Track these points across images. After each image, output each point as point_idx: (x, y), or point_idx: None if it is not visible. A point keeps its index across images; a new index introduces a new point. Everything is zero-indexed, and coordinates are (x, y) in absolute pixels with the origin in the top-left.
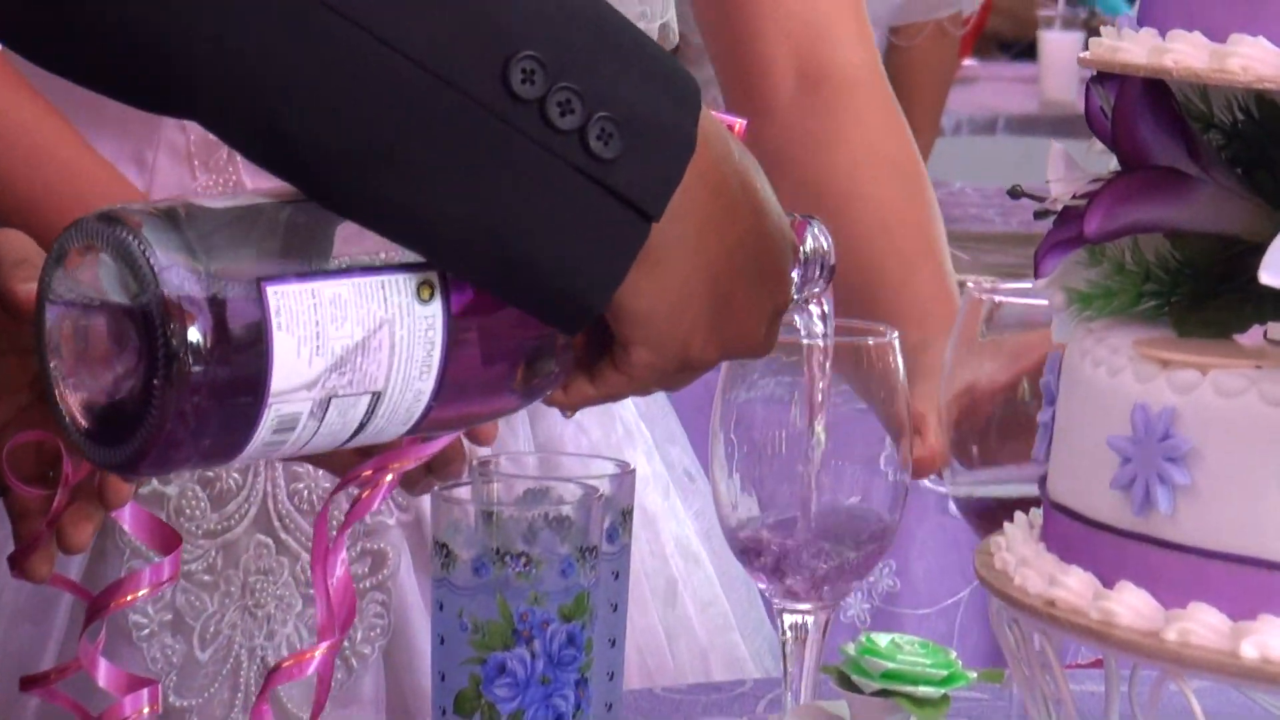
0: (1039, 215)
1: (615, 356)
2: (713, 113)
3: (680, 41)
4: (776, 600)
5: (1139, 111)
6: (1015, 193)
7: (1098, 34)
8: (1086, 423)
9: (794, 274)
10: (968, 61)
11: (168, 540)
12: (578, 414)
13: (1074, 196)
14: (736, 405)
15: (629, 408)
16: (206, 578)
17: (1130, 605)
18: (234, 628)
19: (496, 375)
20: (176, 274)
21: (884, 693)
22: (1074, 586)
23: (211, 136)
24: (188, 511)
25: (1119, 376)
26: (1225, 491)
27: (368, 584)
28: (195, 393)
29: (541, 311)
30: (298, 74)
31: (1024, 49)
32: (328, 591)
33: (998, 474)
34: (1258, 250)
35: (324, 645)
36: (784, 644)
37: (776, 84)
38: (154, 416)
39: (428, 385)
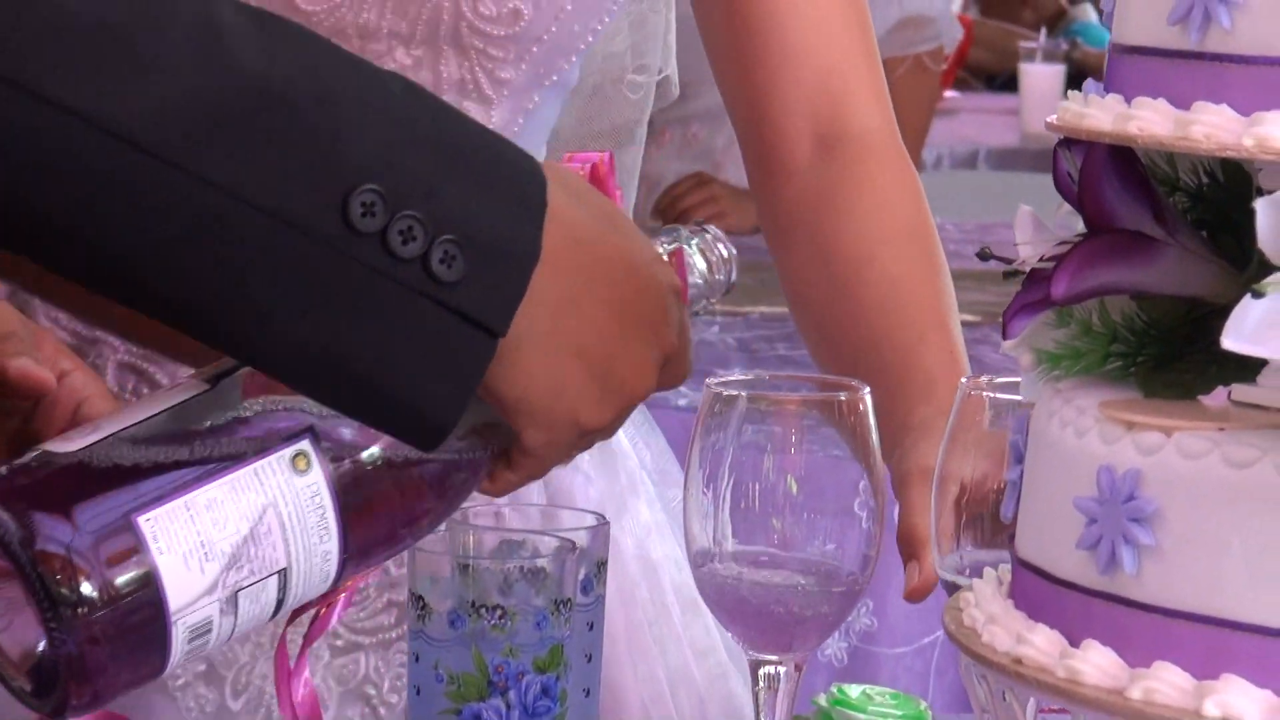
0: (1008, 276)
1: (517, 441)
2: (571, 163)
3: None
4: (749, 651)
5: (1105, 176)
6: (984, 255)
7: (1079, 67)
8: (1053, 482)
9: (690, 294)
10: (949, 93)
11: None
12: (584, 464)
13: (1041, 259)
14: (711, 452)
15: (632, 458)
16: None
17: (1096, 664)
18: (264, 678)
19: (403, 504)
20: (51, 528)
21: None
22: (1040, 645)
23: None
24: None
25: (1085, 437)
26: (1189, 552)
27: (393, 634)
28: (95, 637)
29: (398, 432)
30: (131, 228)
31: (1005, 81)
32: (294, 712)
33: (987, 559)
34: (1223, 312)
35: None
36: (756, 694)
37: (794, 147)
38: (63, 664)
39: (333, 545)
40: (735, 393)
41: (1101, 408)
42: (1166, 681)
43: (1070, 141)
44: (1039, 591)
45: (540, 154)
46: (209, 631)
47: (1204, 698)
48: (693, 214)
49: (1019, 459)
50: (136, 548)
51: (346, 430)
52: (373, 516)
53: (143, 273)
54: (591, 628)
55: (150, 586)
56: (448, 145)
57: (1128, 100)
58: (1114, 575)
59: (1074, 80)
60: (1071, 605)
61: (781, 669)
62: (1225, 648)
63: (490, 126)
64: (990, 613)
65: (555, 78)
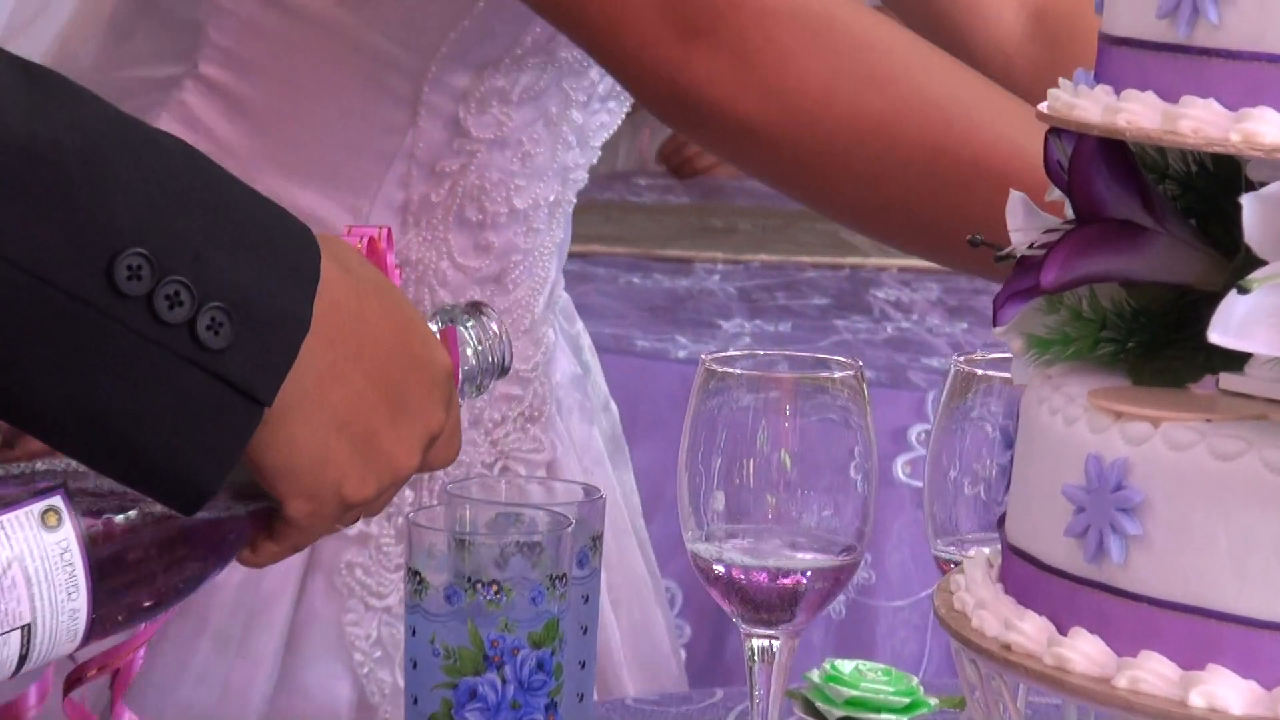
0: (999, 260)
1: (280, 511)
2: (349, 236)
3: None
4: (743, 625)
5: (1095, 165)
6: (974, 242)
7: None
8: (1042, 469)
9: (462, 374)
10: None
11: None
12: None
13: (1031, 246)
14: (705, 426)
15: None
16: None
17: (1083, 652)
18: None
19: (160, 565)
20: None
21: (847, 719)
22: (1029, 631)
23: (434, 199)
24: None
25: (1074, 426)
26: (1176, 542)
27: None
28: None
29: (158, 495)
30: None
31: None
32: None
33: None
34: (1212, 299)
35: None
36: (750, 667)
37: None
38: None
39: (81, 603)
40: (730, 370)
41: (1090, 397)
42: (1153, 671)
43: (1061, 129)
44: (1028, 577)
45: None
46: None
47: (1190, 688)
48: (696, 161)
49: (1009, 444)
50: None
51: (103, 486)
52: (126, 576)
53: None
54: (587, 600)
55: None
56: (220, 209)
57: (1116, 92)
58: (1101, 564)
59: None
60: (1060, 592)
61: (775, 643)
62: (1211, 638)
63: (620, 120)
64: (980, 597)
65: None
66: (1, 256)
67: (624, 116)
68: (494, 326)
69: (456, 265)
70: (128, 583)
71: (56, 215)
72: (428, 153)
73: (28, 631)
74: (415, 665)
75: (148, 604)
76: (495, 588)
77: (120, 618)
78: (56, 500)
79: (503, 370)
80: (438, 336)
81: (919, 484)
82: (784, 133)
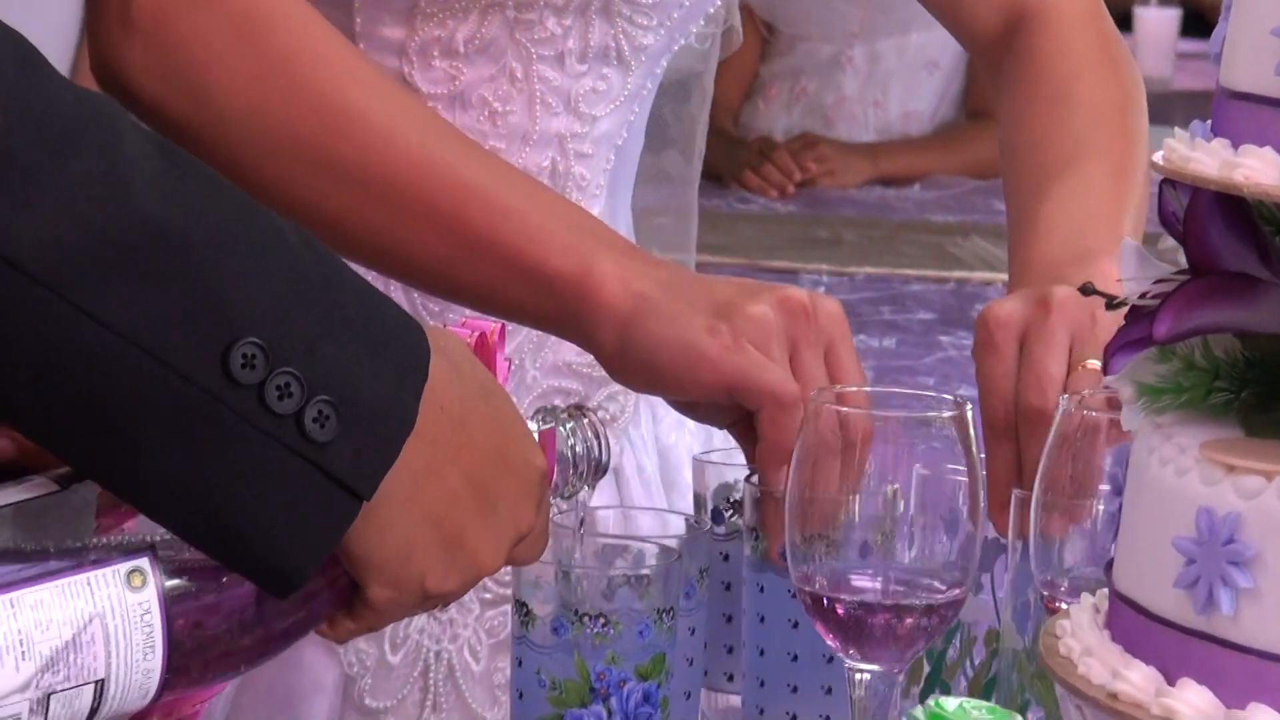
0: (1110, 308)
1: (361, 594)
2: (462, 329)
3: (767, 32)
4: (848, 660)
5: (1210, 218)
6: (1087, 290)
7: (1195, 8)
8: (1152, 519)
9: (557, 475)
10: None
11: None
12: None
13: (1144, 296)
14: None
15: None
16: None
17: (1191, 703)
18: (421, 631)
19: (237, 635)
20: None
21: None
22: (1137, 681)
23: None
24: None
25: (1185, 477)
26: None
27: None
28: None
29: (251, 576)
30: (12, 350)
31: (1118, 22)
32: None
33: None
34: None
35: None
36: (853, 700)
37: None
38: None
39: (156, 663)
40: (839, 408)
41: (1202, 449)
42: None
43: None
44: (1136, 626)
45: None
46: None
47: None
48: (804, 172)
49: (1118, 491)
50: None
51: (192, 555)
52: (203, 641)
53: (11, 392)
54: (693, 633)
55: None
56: (335, 303)
57: (1234, 146)
58: (1211, 615)
59: (1190, 23)
60: (1168, 642)
61: (878, 676)
62: None
63: (626, 91)
64: (1087, 644)
65: (683, 40)
66: (123, 336)
67: (647, 87)
68: (592, 427)
69: None
70: (204, 647)
71: (179, 300)
72: None
73: (101, 687)
74: (521, 696)
75: (221, 668)
76: (602, 620)
77: (193, 678)
78: (143, 562)
79: (600, 472)
80: (536, 438)
81: None
82: (213, 135)
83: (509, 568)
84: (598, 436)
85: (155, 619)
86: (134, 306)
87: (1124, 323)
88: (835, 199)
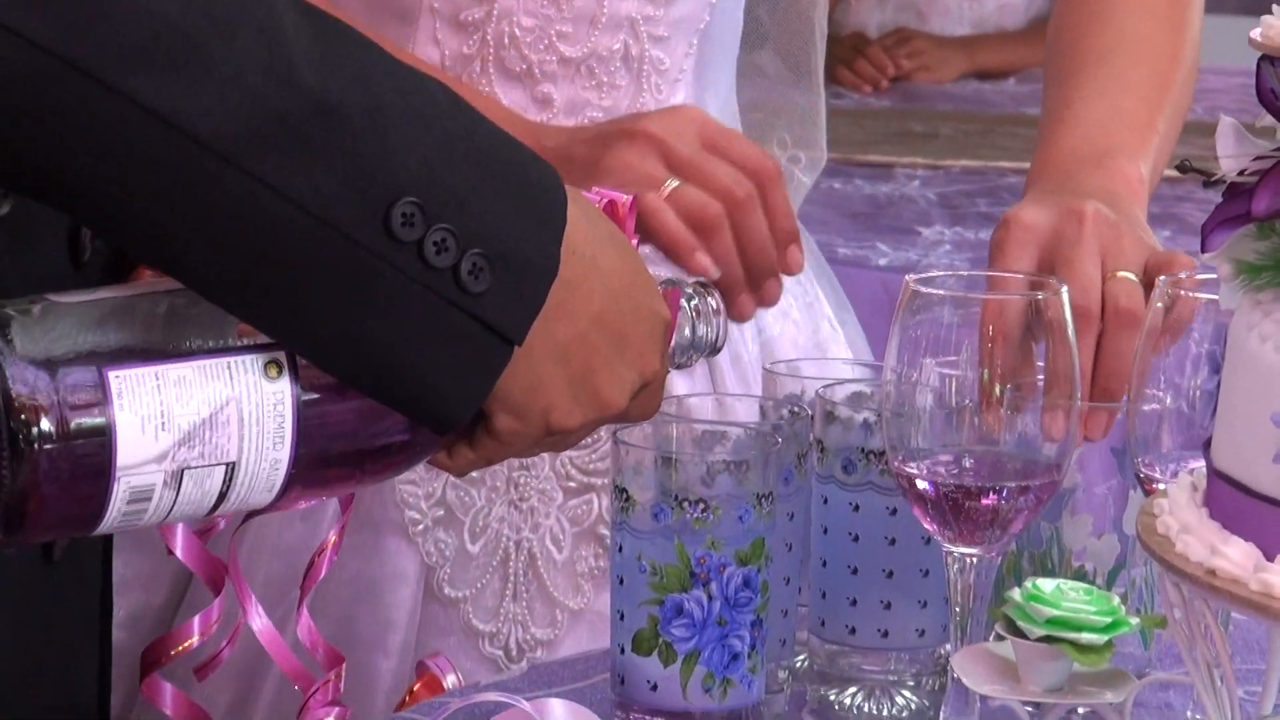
0: (1207, 185)
1: (485, 423)
2: (593, 194)
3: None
4: (945, 544)
5: None
6: (1184, 168)
7: None
8: (1251, 395)
9: (675, 340)
10: None
11: (215, 571)
12: (793, 312)
13: (1242, 173)
14: (909, 347)
15: (825, 306)
16: (474, 474)
17: None
18: (501, 521)
19: (360, 443)
20: (21, 369)
21: (1048, 639)
22: (1235, 557)
23: (467, 50)
24: None
25: None
26: None
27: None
28: (39, 470)
29: (410, 416)
30: (190, 216)
31: None
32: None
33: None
34: None
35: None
36: (951, 583)
37: None
38: (7, 491)
39: (284, 455)
40: (933, 290)
41: None
42: None
43: (1274, 56)
44: (1234, 503)
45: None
46: (148, 499)
47: None
48: (898, 68)
49: (1216, 369)
50: (101, 399)
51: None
52: (328, 443)
53: (188, 253)
54: (792, 518)
55: (104, 437)
56: (482, 158)
57: None
58: None
59: None
60: (1267, 519)
61: (977, 560)
62: None
63: None
64: (1185, 521)
65: None
66: (290, 200)
67: None
68: (714, 302)
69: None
70: (328, 448)
71: (341, 165)
72: (446, 5)
73: (231, 470)
74: (621, 581)
75: (341, 476)
76: (702, 506)
77: (314, 480)
78: (280, 355)
79: (714, 348)
80: (660, 294)
81: None
82: None
83: (596, 453)
84: (717, 312)
85: (287, 410)
86: (301, 175)
87: (1222, 199)
88: (930, 94)
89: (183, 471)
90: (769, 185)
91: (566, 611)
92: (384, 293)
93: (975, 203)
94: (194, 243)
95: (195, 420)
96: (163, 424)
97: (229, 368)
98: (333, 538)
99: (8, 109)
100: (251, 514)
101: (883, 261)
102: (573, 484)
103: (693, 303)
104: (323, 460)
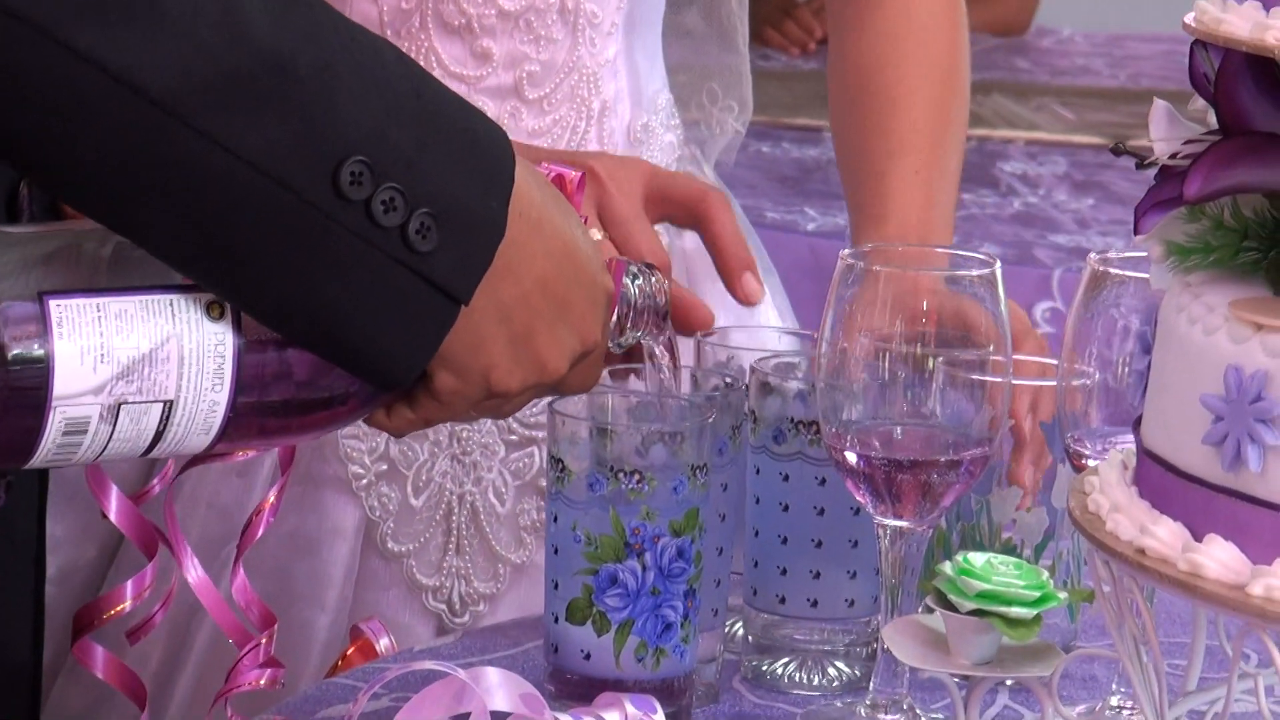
0: (1140, 167)
1: (426, 382)
2: (543, 167)
3: None
4: (877, 515)
5: (1242, 80)
6: (1118, 150)
7: None
8: (1180, 377)
9: (616, 315)
10: None
11: (148, 535)
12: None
13: (1174, 156)
14: (844, 321)
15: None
16: None
17: (1217, 559)
18: (444, 475)
19: (297, 393)
20: None
21: (978, 612)
22: (1164, 537)
23: (405, 5)
24: None
25: (1214, 336)
26: None
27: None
28: None
29: (360, 376)
30: (139, 172)
31: None
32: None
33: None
34: None
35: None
36: (882, 555)
37: None
38: None
39: (222, 397)
40: (870, 266)
41: (1231, 307)
42: None
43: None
44: (1164, 483)
45: None
46: (83, 433)
47: None
48: (823, 30)
49: (1146, 349)
50: (40, 328)
51: None
52: (267, 389)
53: (136, 209)
54: (726, 488)
55: (41, 365)
56: (430, 118)
57: (1265, 8)
58: (1239, 472)
59: None
60: (1195, 499)
61: (908, 531)
62: None
63: None
64: (1115, 500)
65: None
66: (240, 158)
67: None
68: (658, 282)
69: (452, 75)
70: (266, 395)
71: (291, 123)
72: None
73: (168, 408)
74: (556, 551)
75: (278, 426)
76: (637, 476)
77: (254, 431)
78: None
79: (658, 325)
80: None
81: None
82: None
83: (538, 406)
84: (661, 291)
85: (228, 351)
86: (252, 132)
87: (1154, 182)
88: None
89: (120, 406)
90: (715, 216)
91: (509, 565)
92: (332, 251)
93: None
94: (142, 199)
95: (135, 354)
96: (102, 356)
97: (171, 304)
98: (271, 498)
99: None
100: (189, 464)
101: (811, 226)
102: (514, 437)
103: (637, 281)
104: (261, 408)
